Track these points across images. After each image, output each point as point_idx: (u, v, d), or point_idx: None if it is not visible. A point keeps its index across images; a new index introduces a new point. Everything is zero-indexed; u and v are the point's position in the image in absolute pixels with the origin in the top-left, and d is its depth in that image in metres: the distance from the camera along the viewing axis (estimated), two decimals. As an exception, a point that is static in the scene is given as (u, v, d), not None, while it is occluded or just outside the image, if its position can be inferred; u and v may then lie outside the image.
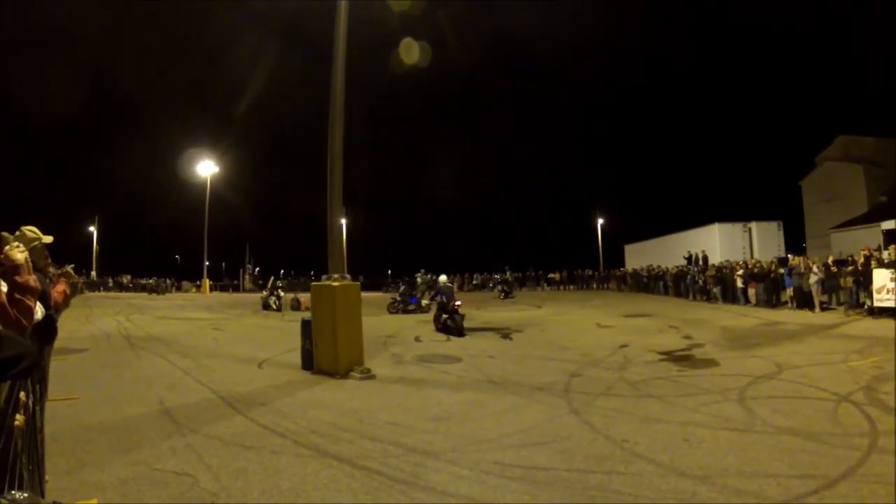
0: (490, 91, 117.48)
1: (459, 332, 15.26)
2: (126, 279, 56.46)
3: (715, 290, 25.09)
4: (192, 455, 5.28)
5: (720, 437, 5.67)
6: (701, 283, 27.08)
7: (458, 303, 16.08)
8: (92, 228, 64.04)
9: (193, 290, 53.80)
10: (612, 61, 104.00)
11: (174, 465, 4.98)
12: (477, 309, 24.90)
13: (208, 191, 50.35)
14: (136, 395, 7.89)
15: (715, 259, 30.58)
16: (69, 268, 5.53)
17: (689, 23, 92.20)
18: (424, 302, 22.78)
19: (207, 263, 53.28)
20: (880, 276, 15.74)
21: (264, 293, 27.48)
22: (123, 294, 45.93)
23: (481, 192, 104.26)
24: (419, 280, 28.47)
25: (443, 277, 18.91)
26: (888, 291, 15.38)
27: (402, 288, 24.73)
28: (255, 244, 65.86)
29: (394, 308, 23.20)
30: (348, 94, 11.03)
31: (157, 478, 4.68)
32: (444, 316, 15.97)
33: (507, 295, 34.39)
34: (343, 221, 29.96)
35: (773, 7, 79.69)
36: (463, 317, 15.86)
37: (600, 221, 63.66)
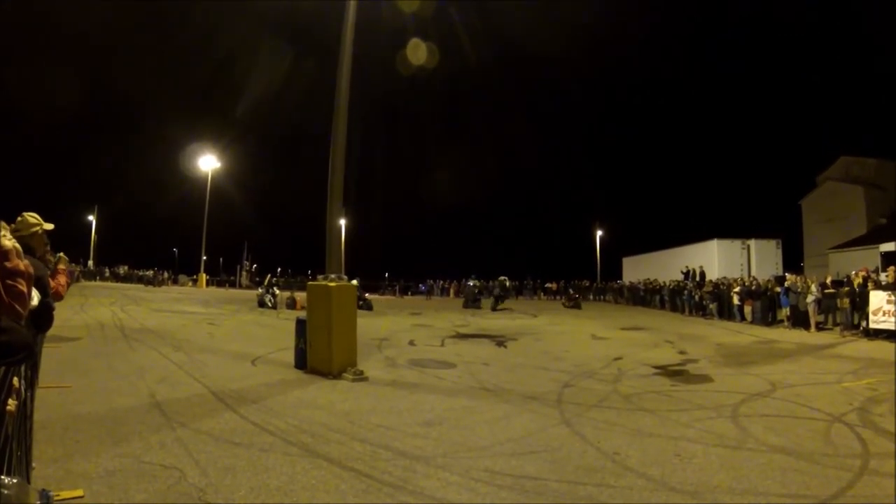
0: (494, 100, 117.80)
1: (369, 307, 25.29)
2: (123, 270, 56.55)
3: (711, 306, 25.14)
4: (181, 449, 5.26)
5: (712, 454, 5.65)
6: (697, 299, 27.12)
7: (367, 294, 27.57)
8: (91, 217, 64.09)
9: (190, 284, 53.97)
10: (615, 75, 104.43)
11: (162, 459, 4.95)
12: (472, 316, 24.93)
13: (209, 186, 50.49)
14: (127, 387, 7.88)
15: (713, 275, 30.65)
16: (61, 255, 5.51)
17: (693, 37, 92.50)
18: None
19: (205, 258, 53.33)
20: (877, 299, 15.77)
21: (260, 290, 27.45)
22: (120, 284, 46.01)
23: (482, 198, 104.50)
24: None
25: (354, 282, 24.91)
26: (884, 314, 15.42)
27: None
28: (253, 241, 65.80)
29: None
30: (352, 96, 11.03)
31: (145, 471, 4.65)
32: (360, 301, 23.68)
33: (474, 304, 31.14)
34: (342, 222, 30.34)
35: (777, 23, 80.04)
36: (369, 302, 26.40)
37: (599, 233, 63.82)
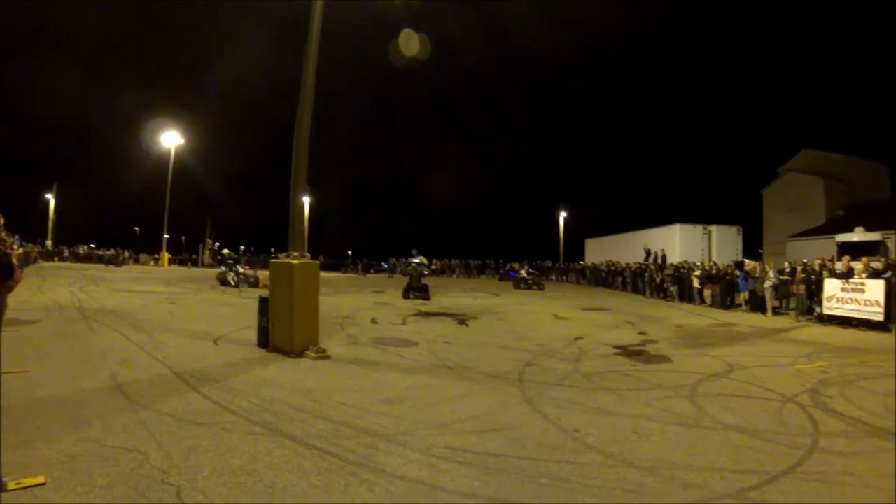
0: (459, 85, 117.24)
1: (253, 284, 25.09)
2: (83, 250, 55.41)
3: (672, 288, 25.54)
4: (144, 431, 5.20)
5: (669, 432, 5.79)
6: (658, 281, 27.54)
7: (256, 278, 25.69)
8: (49, 196, 62.54)
9: (151, 263, 53.24)
10: (583, 62, 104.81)
11: (124, 442, 4.89)
12: (434, 294, 24.91)
13: (172, 162, 49.40)
14: (88, 369, 7.72)
15: (674, 259, 31.02)
16: (19, 251, 5.41)
17: (662, 28, 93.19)
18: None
19: (167, 237, 52.49)
20: (831, 286, 16.25)
21: (223, 269, 27.16)
22: (79, 265, 45.04)
23: (445, 179, 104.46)
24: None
25: (226, 251, 30.66)
26: (838, 301, 15.89)
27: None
28: (216, 220, 64.89)
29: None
30: (326, 77, 10.93)
31: (107, 454, 4.59)
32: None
33: (417, 292, 22.85)
34: (306, 200, 29.95)
35: (749, 19, 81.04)
36: (246, 277, 26.08)
37: (563, 214, 64.04)
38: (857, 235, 25.69)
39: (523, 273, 34.67)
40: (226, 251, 30.50)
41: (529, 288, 31.88)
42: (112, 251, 53.93)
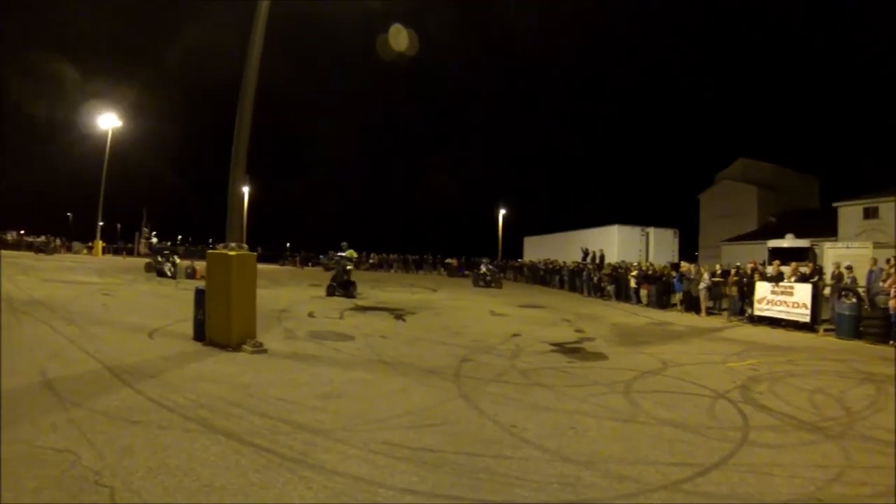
0: (405, 84, 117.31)
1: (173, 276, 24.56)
2: (11, 236, 53.19)
3: (609, 288, 26.03)
4: (75, 431, 5.00)
5: (605, 427, 5.90)
6: (596, 281, 28.02)
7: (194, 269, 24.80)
8: (-26, 178, 59.88)
9: (84, 251, 51.42)
10: (530, 65, 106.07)
11: (55, 442, 4.68)
12: (372, 288, 24.82)
13: (108, 146, 47.27)
14: (15, 365, 7.33)
15: (612, 259, 31.60)
16: None
17: (609, 32, 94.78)
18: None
19: (101, 224, 50.63)
20: (762, 289, 16.95)
21: (158, 258, 26.45)
22: (7, 252, 43.20)
23: (387, 174, 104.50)
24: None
25: (154, 239, 31.06)
26: (768, 302, 16.53)
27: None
28: (153, 208, 63.17)
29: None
30: (267, 68, 10.72)
31: (36, 456, 4.38)
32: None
33: (341, 289, 20.50)
34: (245, 191, 29.13)
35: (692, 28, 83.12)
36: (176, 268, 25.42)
37: (502, 212, 64.43)
38: (788, 242, 26.69)
39: (483, 269, 33.69)
40: (154, 240, 29.48)
41: (489, 286, 31.32)
42: (43, 238, 51.95)
